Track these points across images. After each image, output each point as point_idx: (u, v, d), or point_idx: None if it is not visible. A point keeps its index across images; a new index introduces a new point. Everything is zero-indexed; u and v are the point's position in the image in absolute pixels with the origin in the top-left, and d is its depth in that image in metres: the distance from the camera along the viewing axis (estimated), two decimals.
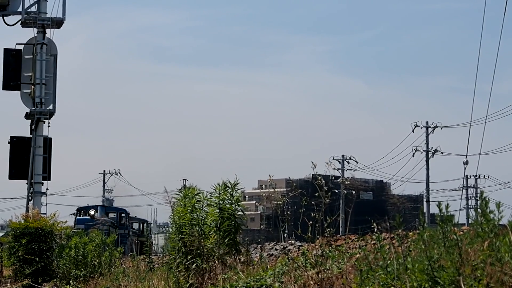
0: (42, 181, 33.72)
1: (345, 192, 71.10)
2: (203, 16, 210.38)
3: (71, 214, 44.81)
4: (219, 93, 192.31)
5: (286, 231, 15.11)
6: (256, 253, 18.71)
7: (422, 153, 78.60)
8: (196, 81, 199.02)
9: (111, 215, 46.48)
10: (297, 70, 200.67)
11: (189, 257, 13.02)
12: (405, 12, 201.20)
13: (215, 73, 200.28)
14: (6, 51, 34.05)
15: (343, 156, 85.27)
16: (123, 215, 47.44)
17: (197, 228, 13.24)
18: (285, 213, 12.98)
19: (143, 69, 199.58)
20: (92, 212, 44.13)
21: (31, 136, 33.70)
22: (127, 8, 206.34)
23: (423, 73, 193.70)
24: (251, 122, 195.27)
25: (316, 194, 11.06)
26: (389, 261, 7.25)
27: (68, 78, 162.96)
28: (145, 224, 53.73)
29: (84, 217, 44.68)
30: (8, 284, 23.72)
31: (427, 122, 78.87)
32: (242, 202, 13.71)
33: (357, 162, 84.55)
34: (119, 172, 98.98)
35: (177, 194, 14.01)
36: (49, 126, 33.85)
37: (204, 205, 13.52)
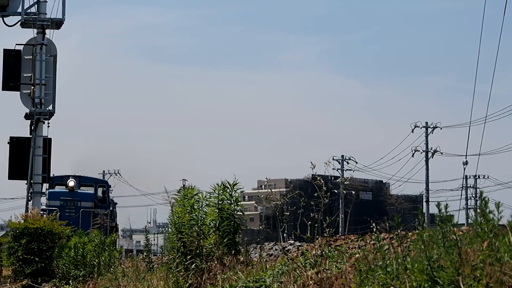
0: (42, 182, 33.73)
1: (345, 192, 70.99)
2: (199, 16, 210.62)
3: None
4: (216, 93, 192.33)
5: (286, 231, 15.09)
6: (256, 253, 18.70)
7: (421, 153, 78.80)
8: (193, 81, 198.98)
9: (86, 188, 35.66)
10: (294, 70, 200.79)
11: (188, 257, 13.01)
12: (402, 12, 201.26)
13: (212, 73, 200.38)
14: (6, 52, 34.07)
15: (342, 156, 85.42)
16: (101, 189, 36.69)
17: (196, 228, 13.23)
18: (284, 213, 12.96)
19: (140, 69, 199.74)
20: (71, 183, 33.69)
21: (31, 136, 33.72)
22: (123, 7, 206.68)
23: (422, 73, 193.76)
24: (250, 121, 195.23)
25: (316, 194, 11.06)
26: (388, 261, 7.25)
27: (65, 78, 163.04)
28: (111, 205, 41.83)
29: (58, 189, 34.73)
30: (8, 284, 23.71)
31: (426, 123, 79.06)
32: (241, 202, 13.71)
33: (356, 162, 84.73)
34: (118, 172, 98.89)
35: (176, 195, 13.99)
36: (48, 126, 33.91)
37: (203, 205, 13.51)
